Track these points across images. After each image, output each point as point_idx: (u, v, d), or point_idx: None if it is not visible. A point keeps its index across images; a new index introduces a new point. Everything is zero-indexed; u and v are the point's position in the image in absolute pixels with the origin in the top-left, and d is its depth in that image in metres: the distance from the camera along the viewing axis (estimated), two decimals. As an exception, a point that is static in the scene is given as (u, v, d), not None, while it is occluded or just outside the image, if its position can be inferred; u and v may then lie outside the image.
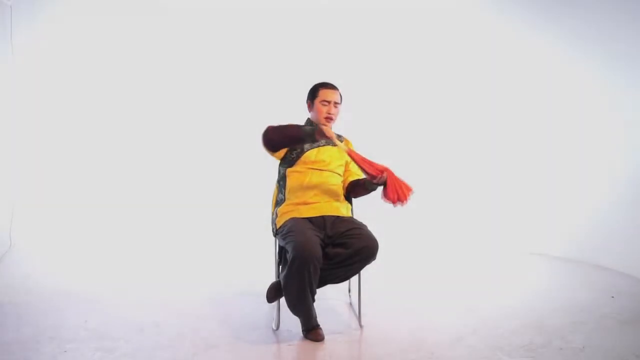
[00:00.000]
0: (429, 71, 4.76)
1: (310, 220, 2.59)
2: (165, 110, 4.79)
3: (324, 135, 2.47)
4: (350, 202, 2.85)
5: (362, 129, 4.35)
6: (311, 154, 2.71)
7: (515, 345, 2.48)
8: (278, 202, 2.76)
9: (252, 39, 4.77)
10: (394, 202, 2.49)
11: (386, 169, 2.48)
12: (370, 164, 2.49)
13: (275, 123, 2.60)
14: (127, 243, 4.46)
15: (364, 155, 2.52)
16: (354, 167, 2.79)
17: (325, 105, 2.73)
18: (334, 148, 2.74)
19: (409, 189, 2.49)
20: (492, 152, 4.65)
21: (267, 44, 4.77)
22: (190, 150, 4.88)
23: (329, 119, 2.73)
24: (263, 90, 4.78)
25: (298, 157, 2.70)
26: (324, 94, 2.75)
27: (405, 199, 2.49)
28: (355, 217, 2.79)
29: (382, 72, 4.80)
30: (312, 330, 2.55)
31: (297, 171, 2.71)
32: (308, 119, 2.81)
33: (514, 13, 4.48)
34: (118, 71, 4.66)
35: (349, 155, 2.55)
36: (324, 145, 2.74)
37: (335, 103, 2.74)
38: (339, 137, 2.82)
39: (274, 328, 2.68)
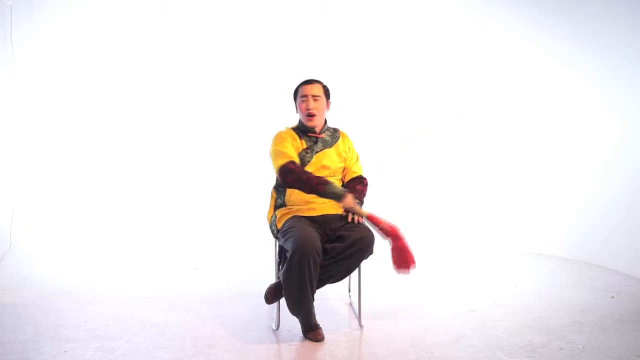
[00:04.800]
0: (428, 71, 4.75)
1: (311, 219, 2.59)
2: (164, 109, 4.77)
3: (348, 207, 2.51)
4: None
5: (363, 128, 4.38)
6: (312, 164, 2.67)
7: (515, 345, 2.48)
8: (277, 206, 2.76)
9: (253, 43, 4.76)
10: (399, 269, 2.49)
11: (396, 233, 2.47)
12: (383, 226, 2.48)
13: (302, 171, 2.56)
14: (127, 243, 4.46)
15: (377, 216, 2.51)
16: (352, 161, 2.78)
17: (303, 100, 2.70)
18: (331, 150, 2.72)
19: (411, 262, 2.47)
20: (492, 152, 4.65)
21: (266, 46, 4.76)
22: (191, 150, 4.87)
23: (310, 115, 2.68)
24: (263, 91, 4.77)
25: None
26: (302, 90, 2.74)
27: (407, 269, 2.48)
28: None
29: (382, 71, 4.79)
30: (312, 330, 2.55)
31: None
32: (299, 120, 2.78)
33: (513, 13, 4.48)
34: (119, 71, 4.65)
35: (369, 219, 2.51)
36: (321, 149, 2.71)
37: (314, 96, 2.68)
38: (336, 130, 2.81)
39: (274, 328, 2.68)
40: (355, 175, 2.79)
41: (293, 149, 2.67)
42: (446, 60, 4.72)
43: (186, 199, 4.85)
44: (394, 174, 4.71)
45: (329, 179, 2.63)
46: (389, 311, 2.94)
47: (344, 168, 2.80)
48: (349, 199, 2.50)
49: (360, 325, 2.72)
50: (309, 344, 2.51)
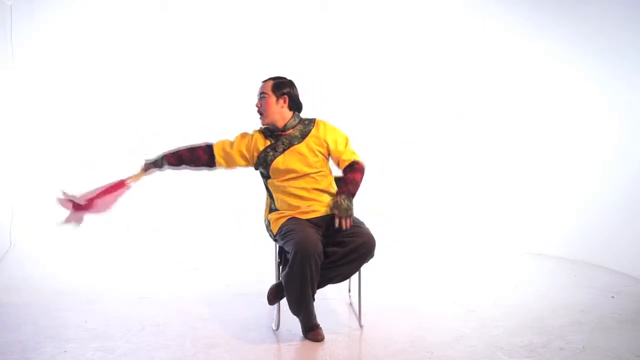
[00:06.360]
0: (428, 71, 4.75)
1: (308, 220, 2.59)
2: (164, 109, 4.76)
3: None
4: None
5: (363, 128, 4.38)
6: (277, 164, 2.62)
7: (515, 345, 2.48)
8: (271, 210, 2.75)
9: (253, 43, 4.75)
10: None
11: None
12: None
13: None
14: (127, 243, 4.45)
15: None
16: (339, 148, 2.65)
17: None
18: (301, 146, 2.62)
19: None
20: (492, 152, 4.65)
21: (265, 46, 4.75)
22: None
23: (258, 113, 2.68)
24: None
25: (267, 170, 2.66)
26: None
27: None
28: (354, 213, 2.75)
29: (382, 72, 4.78)
30: (312, 330, 2.55)
31: (276, 185, 2.65)
32: None
33: (512, 12, 4.47)
34: (119, 71, 4.65)
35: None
36: (288, 147, 2.63)
37: (260, 94, 2.65)
38: (310, 122, 2.69)
39: (274, 328, 2.68)
40: (348, 162, 2.64)
41: (240, 144, 2.69)
42: (446, 61, 4.72)
43: (186, 198, 4.84)
44: (394, 174, 4.71)
45: (298, 181, 2.60)
46: (389, 311, 2.94)
47: (334, 156, 2.67)
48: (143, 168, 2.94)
49: (360, 325, 2.72)
50: (309, 344, 2.51)
